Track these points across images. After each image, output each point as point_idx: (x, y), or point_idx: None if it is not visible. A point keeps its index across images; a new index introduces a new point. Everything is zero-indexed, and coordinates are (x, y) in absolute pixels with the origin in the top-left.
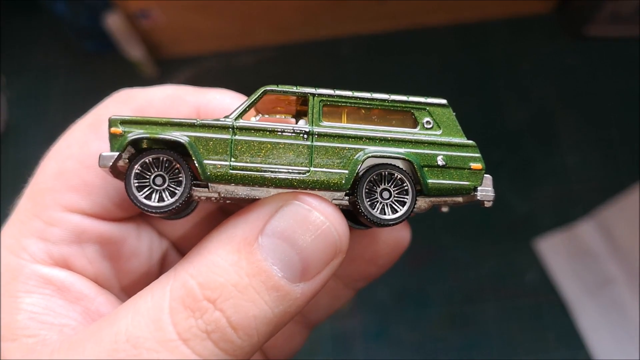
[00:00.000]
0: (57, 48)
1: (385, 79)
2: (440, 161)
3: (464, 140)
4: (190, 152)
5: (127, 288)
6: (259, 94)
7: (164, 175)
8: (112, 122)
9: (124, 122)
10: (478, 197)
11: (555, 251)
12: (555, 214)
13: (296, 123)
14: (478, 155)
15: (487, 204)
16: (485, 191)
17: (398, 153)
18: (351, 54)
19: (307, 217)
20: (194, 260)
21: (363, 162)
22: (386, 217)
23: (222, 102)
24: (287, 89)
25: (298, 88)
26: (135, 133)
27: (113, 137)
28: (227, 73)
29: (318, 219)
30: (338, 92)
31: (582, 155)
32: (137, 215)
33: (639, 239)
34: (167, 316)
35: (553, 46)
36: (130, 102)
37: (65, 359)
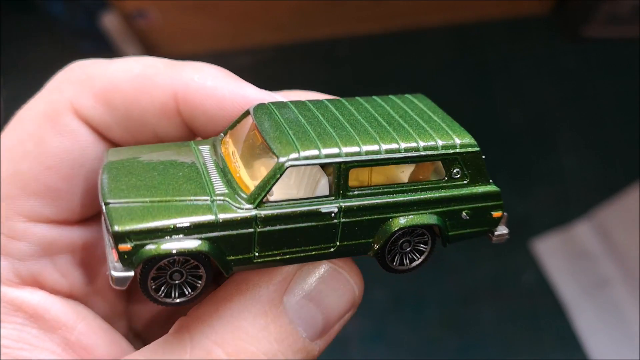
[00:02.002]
0: (53, 48)
1: (382, 79)
2: (464, 216)
3: (488, 189)
4: (212, 256)
5: (102, 291)
6: (281, 171)
7: (182, 270)
8: (118, 238)
9: (131, 234)
10: (493, 241)
11: (552, 252)
12: (552, 215)
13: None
14: (500, 202)
15: (500, 242)
16: (501, 234)
17: (427, 221)
18: (348, 55)
19: (332, 277)
20: (215, 324)
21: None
22: (404, 267)
23: (203, 86)
24: (312, 160)
25: (323, 152)
26: (149, 249)
27: (122, 254)
28: None
29: (343, 278)
30: (367, 155)
31: (579, 156)
32: None
33: (636, 240)
34: None
35: (550, 47)
36: (90, 84)
37: None
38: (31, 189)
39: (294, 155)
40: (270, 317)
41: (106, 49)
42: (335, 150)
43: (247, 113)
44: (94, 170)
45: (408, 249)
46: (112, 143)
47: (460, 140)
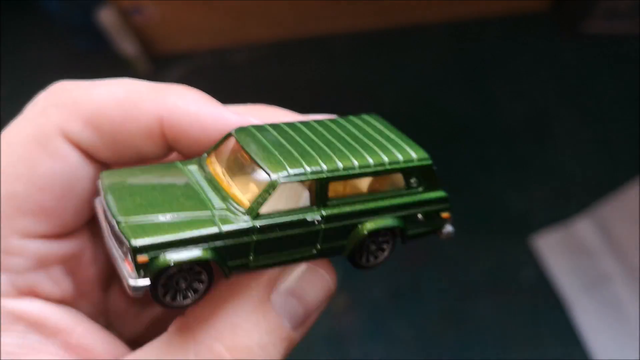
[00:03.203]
0: (49, 45)
1: (379, 76)
2: (419, 218)
3: (438, 194)
4: (216, 262)
5: (86, 294)
6: (274, 188)
7: (187, 276)
8: (136, 251)
9: (148, 248)
10: (441, 237)
11: (552, 248)
12: (551, 211)
13: None
14: (448, 205)
15: (448, 239)
16: (448, 232)
17: (392, 225)
18: (345, 51)
19: (311, 274)
20: (214, 323)
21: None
22: (369, 263)
23: (187, 112)
24: (300, 177)
25: (308, 170)
26: (163, 259)
27: (139, 266)
28: (221, 70)
29: (322, 276)
30: (345, 170)
31: (579, 152)
32: (90, 220)
33: (637, 236)
34: None
35: (549, 43)
36: (77, 108)
37: None
38: (25, 209)
39: (284, 173)
40: (261, 313)
41: (103, 46)
42: (317, 168)
43: (229, 135)
44: (83, 189)
45: (374, 248)
46: (98, 162)
47: (416, 155)
